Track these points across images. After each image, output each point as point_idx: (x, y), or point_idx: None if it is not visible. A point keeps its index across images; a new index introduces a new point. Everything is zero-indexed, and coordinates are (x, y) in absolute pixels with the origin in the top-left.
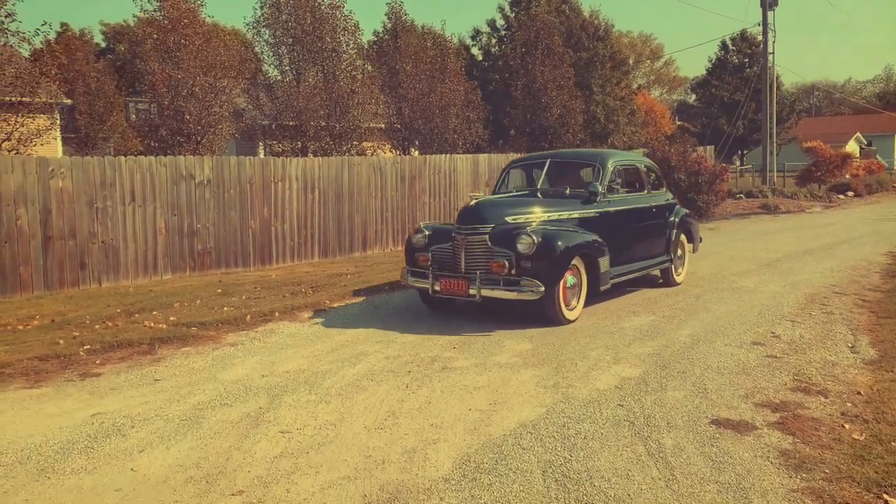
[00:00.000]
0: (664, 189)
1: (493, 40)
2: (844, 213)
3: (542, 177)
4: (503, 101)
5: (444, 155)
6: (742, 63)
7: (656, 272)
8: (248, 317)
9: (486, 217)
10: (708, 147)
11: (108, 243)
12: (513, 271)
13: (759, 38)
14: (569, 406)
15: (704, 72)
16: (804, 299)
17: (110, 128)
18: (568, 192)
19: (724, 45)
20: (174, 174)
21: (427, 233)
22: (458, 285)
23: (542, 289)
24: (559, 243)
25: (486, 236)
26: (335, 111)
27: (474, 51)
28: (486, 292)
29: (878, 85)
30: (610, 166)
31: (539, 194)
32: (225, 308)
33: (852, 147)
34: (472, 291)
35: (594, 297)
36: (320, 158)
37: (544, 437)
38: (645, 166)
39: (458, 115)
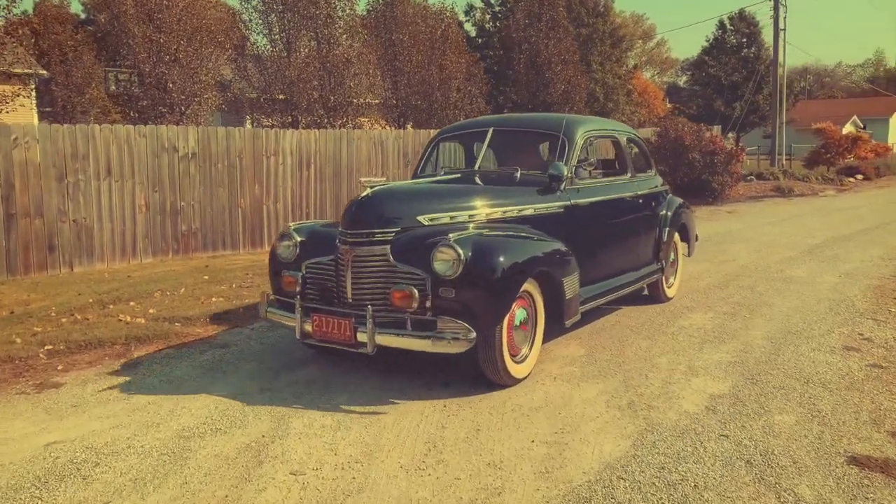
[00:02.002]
0: (653, 171)
1: (487, 16)
2: (862, 197)
3: (483, 153)
4: (499, 80)
5: None
6: (740, 43)
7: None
8: (241, 309)
9: (385, 216)
10: (714, 128)
11: (80, 223)
12: (427, 304)
13: (758, 18)
14: (658, 437)
15: (697, 53)
16: (871, 293)
17: (89, 100)
18: (518, 175)
19: (721, 25)
20: (155, 146)
21: (297, 239)
22: (339, 327)
23: (474, 335)
24: (501, 259)
25: (387, 247)
26: (329, 82)
27: (468, 27)
28: (382, 340)
29: (867, 69)
30: (579, 139)
31: (477, 179)
32: (213, 299)
33: (849, 130)
34: (360, 338)
35: (557, 332)
36: (317, 131)
37: (643, 486)
38: (627, 139)
39: (460, 88)
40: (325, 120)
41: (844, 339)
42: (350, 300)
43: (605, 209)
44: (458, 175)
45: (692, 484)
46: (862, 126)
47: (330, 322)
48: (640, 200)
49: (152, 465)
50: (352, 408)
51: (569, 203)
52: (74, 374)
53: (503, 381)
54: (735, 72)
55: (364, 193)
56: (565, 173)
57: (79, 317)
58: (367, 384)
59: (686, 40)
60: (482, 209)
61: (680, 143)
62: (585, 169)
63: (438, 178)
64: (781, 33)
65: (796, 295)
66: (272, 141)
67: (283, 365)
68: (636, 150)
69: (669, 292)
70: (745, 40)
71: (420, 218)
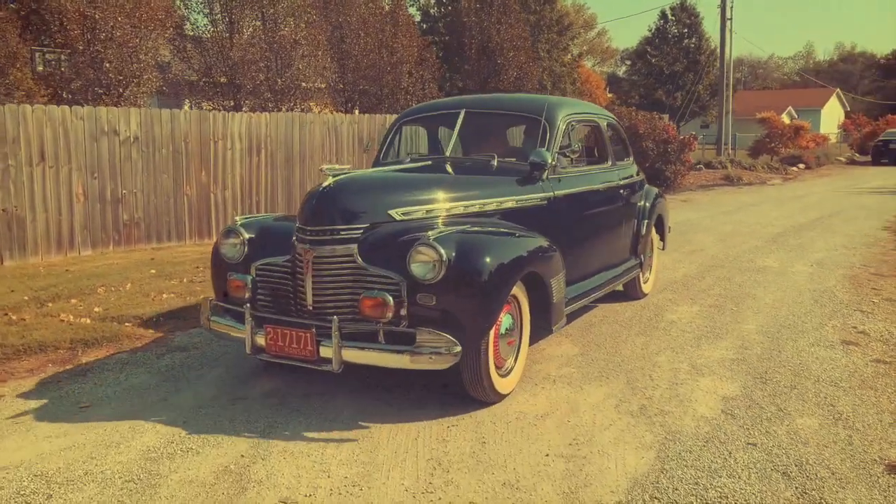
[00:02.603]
0: (631, 159)
1: (432, 0)
2: (808, 185)
3: (454, 138)
4: (446, 66)
5: None
6: (682, 33)
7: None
8: (198, 307)
9: (351, 210)
10: (664, 116)
11: (10, 212)
12: (402, 313)
13: (699, 9)
14: (683, 447)
15: (637, 43)
16: (848, 283)
17: (13, 82)
18: (495, 163)
19: (663, 15)
20: (94, 129)
21: (245, 235)
22: (298, 341)
23: (459, 348)
24: (488, 259)
25: (353, 247)
26: (276, 63)
27: (412, 11)
28: (350, 356)
29: (798, 62)
30: (561, 123)
31: (448, 167)
32: (164, 295)
33: (785, 120)
34: (324, 353)
35: (539, 337)
36: (267, 115)
37: None
38: (607, 124)
39: (412, 73)
40: (272, 104)
41: (839, 332)
42: (310, 309)
43: (587, 201)
44: (429, 162)
45: (732, 502)
46: (796, 116)
47: (287, 335)
48: (621, 191)
49: (116, 495)
50: (338, 420)
51: (551, 195)
52: (13, 385)
53: (489, 398)
54: (676, 62)
55: (325, 183)
56: (550, 161)
57: (14, 317)
58: (351, 392)
59: (626, 30)
60: (459, 202)
61: (633, 131)
62: (568, 156)
63: (407, 165)
64: (728, 23)
65: (776, 286)
66: (220, 124)
67: (254, 371)
68: (614, 134)
69: (645, 288)
70: (686, 31)
71: (392, 212)
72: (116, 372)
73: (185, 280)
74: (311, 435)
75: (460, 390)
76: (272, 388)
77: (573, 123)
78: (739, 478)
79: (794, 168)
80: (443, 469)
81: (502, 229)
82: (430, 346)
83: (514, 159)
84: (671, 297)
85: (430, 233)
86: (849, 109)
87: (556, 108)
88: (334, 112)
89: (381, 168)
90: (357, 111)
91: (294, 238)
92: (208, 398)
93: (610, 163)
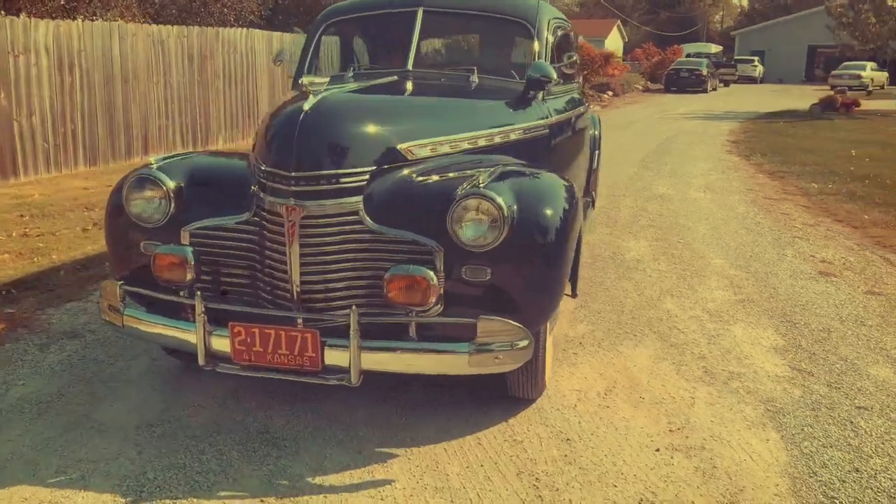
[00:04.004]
0: (581, 78)
1: None
2: (627, 113)
3: (413, 48)
4: None
5: (240, 29)
6: None
7: None
8: (62, 272)
9: (352, 143)
10: None
11: None
12: (432, 298)
13: None
14: (798, 420)
15: None
16: (754, 208)
17: None
18: (476, 80)
19: None
20: None
21: (170, 185)
22: (291, 345)
23: (530, 341)
24: (555, 212)
25: (359, 200)
26: None
27: None
28: (375, 362)
29: None
30: (548, 28)
31: (420, 87)
32: None
33: None
34: (331, 359)
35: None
36: (80, 23)
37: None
38: (574, 33)
39: None
40: (64, 13)
41: (806, 263)
42: (296, 295)
43: (570, 128)
44: (394, 78)
45: None
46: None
47: (269, 336)
48: (584, 115)
49: None
50: (363, 439)
51: (549, 120)
52: None
53: (537, 395)
54: None
55: (307, 105)
56: (554, 76)
57: None
58: (349, 399)
59: None
60: (468, 133)
61: None
62: (567, 72)
63: (374, 82)
64: None
65: (696, 214)
66: (20, 33)
67: (191, 368)
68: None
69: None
70: None
71: (403, 147)
72: None
73: (13, 233)
74: (301, 487)
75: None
76: (220, 400)
77: (557, 30)
78: (887, 454)
79: (605, 95)
80: (547, 486)
81: (529, 169)
82: (500, 341)
83: (498, 78)
84: (608, 231)
85: (480, 177)
86: (627, 40)
87: (541, 8)
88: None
89: (337, 86)
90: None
91: (257, 189)
92: (156, 412)
93: (578, 81)
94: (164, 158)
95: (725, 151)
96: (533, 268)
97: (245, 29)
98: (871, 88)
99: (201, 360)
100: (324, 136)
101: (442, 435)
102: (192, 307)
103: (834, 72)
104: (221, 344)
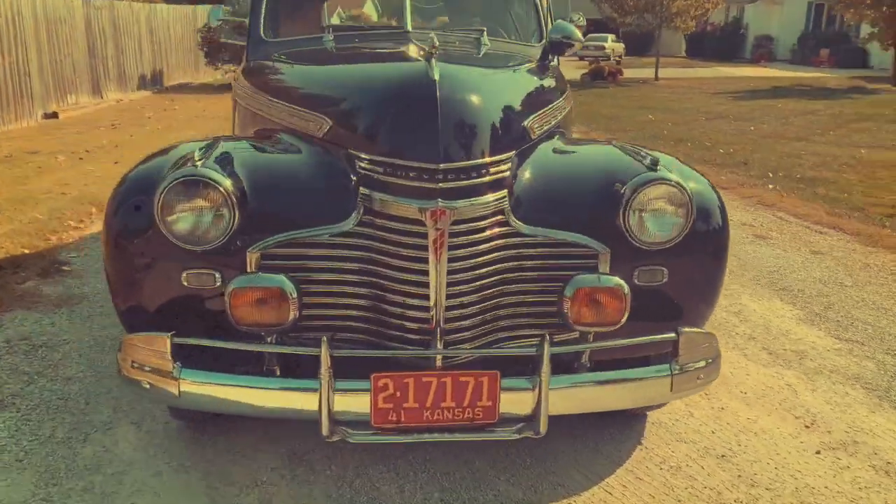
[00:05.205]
0: None
1: None
2: None
3: (408, 3)
4: None
5: None
6: None
7: None
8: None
9: (495, 122)
10: None
11: None
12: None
13: None
14: None
15: None
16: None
17: None
18: (486, 43)
19: None
20: None
21: (229, 185)
22: (460, 394)
23: (719, 353)
24: (718, 199)
25: (504, 196)
26: None
27: None
28: (560, 400)
29: None
30: None
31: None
32: None
33: None
34: (508, 406)
35: None
36: None
37: None
38: None
39: None
40: None
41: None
42: (439, 324)
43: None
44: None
45: None
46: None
47: (430, 386)
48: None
49: None
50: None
51: (566, 90)
52: None
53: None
54: None
55: (435, 72)
56: (580, 37)
57: None
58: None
59: None
60: (546, 107)
61: None
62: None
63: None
64: None
65: None
66: None
67: (207, 433)
68: None
69: None
70: None
71: (528, 124)
72: None
73: None
74: None
75: None
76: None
77: None
78: None
79: None
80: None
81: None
82: (700, 357)
83: (508, 40)
84: None
85: (645, 160)
86: None
87: None
88: None
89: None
90: None
91: (367, 190)
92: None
93: None
94: (203, 143)
95: None
96: (709, 263)
97: None
98: (615, 59)
99: (325, 430)
100: (470, 113)
101: (589, 476)
102: (271, 359)
103: None
104: (345, 404)
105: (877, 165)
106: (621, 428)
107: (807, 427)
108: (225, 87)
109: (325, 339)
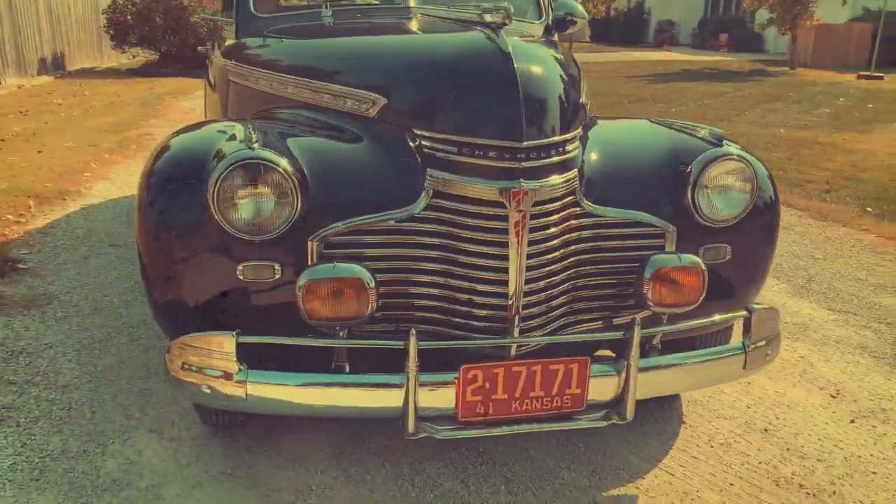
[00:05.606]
0: None
1: None
2: None
3: None
4: None
5: None
6: None
7: None
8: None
9: (567, 97)
10: None
11: None
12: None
13: None
14: None
15: None
16: None
17: None
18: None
19: None
20: None
21: (290, 169)
22: (548, 382)
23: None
24: (767, 171)
25: (575, 175)
26: None
27: None
28: (645, 384)
29: None
30: None
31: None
32: None
33: None
34: (597, 393)
35: None
36: None
37: None
38: None
39: None
40: None
41: None
42: (513, 311)
43: None
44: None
45: None
46: None
47: (519, 375)
48: None
49: None
50: None
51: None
52: None
53: None
54: None
55: (508, 44)
56: (585, 15)
57: None
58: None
59: None
60: (585, 85)
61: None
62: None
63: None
64: None
65: None
66: None
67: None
68: None
69: None
70: None
71: (586, 101)
72: None
73: None
74: None
75: None
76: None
77: None
78: None
79: None
80: (819, 490)
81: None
82: (768, 334)
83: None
84: None
85: (702, 131)
86: None
87: None
88: None
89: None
90: None
91: (435, 171)
92: None
93: None
94: (258, 126)
95: None
96: (767, 238)
97: None
98: None
99: (411, 427)
100: (544, 88)
101: (645, 458)
102: (341, 355)
103: None
104: (429, 399)
105: (797, 144)
106: (658, 408)
107: (833, 397)
108: (134, 73)
109: (413, 331)
